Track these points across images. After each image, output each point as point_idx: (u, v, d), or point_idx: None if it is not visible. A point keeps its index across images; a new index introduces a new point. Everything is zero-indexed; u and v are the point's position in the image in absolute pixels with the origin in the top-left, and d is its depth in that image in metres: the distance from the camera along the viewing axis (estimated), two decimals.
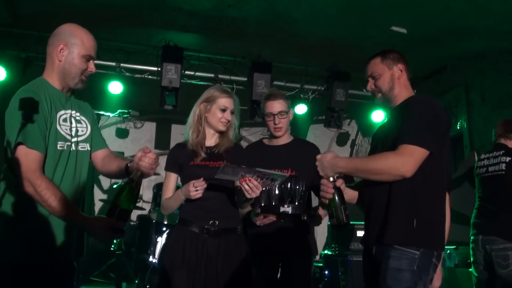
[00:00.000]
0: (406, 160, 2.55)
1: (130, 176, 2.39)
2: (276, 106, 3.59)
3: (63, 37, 2.61)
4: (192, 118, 3.33)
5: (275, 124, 3.59)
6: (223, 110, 3.29)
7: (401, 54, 3.01)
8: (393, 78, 2.91)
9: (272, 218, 3.30)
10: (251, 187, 2.89)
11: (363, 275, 2.96)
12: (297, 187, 3.28)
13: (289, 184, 3.23)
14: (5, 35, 6.43)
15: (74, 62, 2.58)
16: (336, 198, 2.71)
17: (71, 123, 2.62)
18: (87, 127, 2.74)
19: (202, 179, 3.04)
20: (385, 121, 3.14)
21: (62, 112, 2.58)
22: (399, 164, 2.55)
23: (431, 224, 2.71)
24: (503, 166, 4.59)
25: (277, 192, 3.26)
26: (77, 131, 2.65)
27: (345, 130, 8.74)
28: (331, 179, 2.71)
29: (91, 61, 2.64)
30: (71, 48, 2.58)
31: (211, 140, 3.35)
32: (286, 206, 3.21)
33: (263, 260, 3.47)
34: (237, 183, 3.01)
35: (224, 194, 3.21)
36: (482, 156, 4.81)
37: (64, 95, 2.63)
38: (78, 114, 2.69)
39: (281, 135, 3.64)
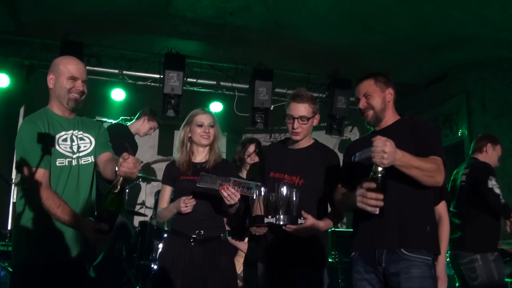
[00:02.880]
0: (442, 170, 2.78)
1: (113, 182, 2.60)
2: (298, 109, 3.33)
3: (51, 69, 3.02)
4: (177, 141, 3.69)
5: (293, 128, 3.35)
6: (200, 126, 3.61)
7: (389, 77, 3.20)
8: (385, 101, 3.11)
9: (264, 229, 3.23)
10: (229, 194, 3.13)
11: (356, 280, 2.99)
12: (291, 196, 3.07)
13: (284, 192, 3.06)
14: (9, 42, 6.49)
15: (61, 84, 2.96)
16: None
17: (72, 141, 2.99)
18: (90, 142, 3.09)
19: (191, 196, 3.39)
20: (364, 138, 3.25)
21: (62, 133, 2.97)
22: (440, 172, 2.76)
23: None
24: (464, 177, 4.72)
25: (266, 201, 3.16)
26: (79, 147, 3.01)
27: (347, 137, 8.74)
28: (380, 169, 2.55)
29: (78, 81, 2.98)
30: (57, 75, 2.97)
31: (200, 156, 3.69)
32: (270, 217, 3.03)
33: (268, 272, 3.37)
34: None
35: (210, 207, 3.52)
36: (455, 171, 4.90)
37: (65, 118, 3.02)
38: (81, 132, 3.06)
39: (298, 139, 3.39)
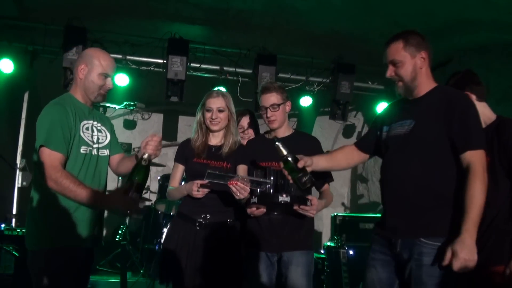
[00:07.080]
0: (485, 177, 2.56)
1: (141, 156, 2.80)
2: (268, 99, 3.58)
3: (84, 59, 3.06)
4: (194, 123, 3.65)
5: (267, 117, 3.60)
6: (209, 111, 3.57)
7: (424, 37, 2.83)
8: (416, 68, 2.78)
9: (263, 210, 3.29)
10: (238, 189, 3.12)
11: (370, 259, 2.94)
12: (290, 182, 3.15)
13: (282, 181, 3.23)
14: (12, 27, 6.48)
15: (93, 79, 3.02)
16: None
17: (92, 131, 3.09)
18: (106, 136, 3.20)
19: (207, 181, 3.29)
20: (395, 106, 3.06)
21: (85, 121, 3.05)
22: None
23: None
24: None
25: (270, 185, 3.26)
26: (98, 138, 3.11)
27: (351, 122, 8.74)
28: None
29: (108, 78, 3.07)
30: (90, 68, 3.02)
31: (216, 140, 3.64)
32: (284, 195, 3.17)
33: (259, 256, 3.45)
34: None
35: (219, 191, 3.44)
36: None
37: (87, 107, 3.10)
38: (99, 124, 3.16)
39: (275, 127, 3.62)
